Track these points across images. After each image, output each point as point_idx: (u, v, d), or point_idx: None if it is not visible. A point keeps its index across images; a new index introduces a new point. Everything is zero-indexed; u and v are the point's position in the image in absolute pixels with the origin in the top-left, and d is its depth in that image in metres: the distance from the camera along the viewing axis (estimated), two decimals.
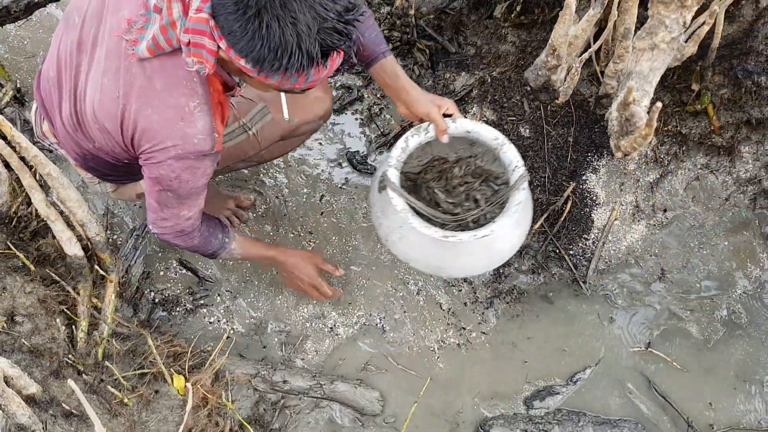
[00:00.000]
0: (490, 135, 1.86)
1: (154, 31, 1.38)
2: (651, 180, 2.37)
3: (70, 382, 1.06)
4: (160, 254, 2.22)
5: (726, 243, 2.31)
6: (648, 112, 1.82)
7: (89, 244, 1.77)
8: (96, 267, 1.79)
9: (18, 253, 1.75)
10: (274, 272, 2.18)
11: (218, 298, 2.18)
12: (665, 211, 2.36)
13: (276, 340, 2.13)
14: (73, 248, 1.72)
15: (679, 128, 2.33)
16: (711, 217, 2.35)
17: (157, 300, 2.14)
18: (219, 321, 2.15)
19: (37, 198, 1.63)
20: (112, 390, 1.62)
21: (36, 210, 2.00)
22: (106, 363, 1.71)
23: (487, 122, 2.38)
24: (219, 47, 1.34)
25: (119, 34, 1.42)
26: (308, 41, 1.30)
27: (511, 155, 1.85)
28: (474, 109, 2.41)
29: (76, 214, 1.70)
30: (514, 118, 2.40)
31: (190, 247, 1.75)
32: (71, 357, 1.65)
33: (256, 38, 1.29)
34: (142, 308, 2.11)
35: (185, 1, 1.35)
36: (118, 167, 1.64)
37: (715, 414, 2.06)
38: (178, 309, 2.14)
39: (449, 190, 2.00)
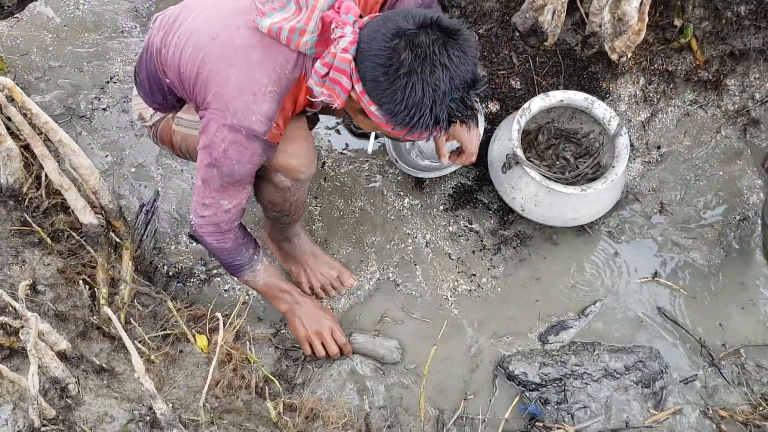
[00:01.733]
0: (579, 98, 2.17)
1: (283, 21, 1.50)
2: (642, 119, 2.42)
3: (106, 309, 1.10)
4: (169, 230, 2.26)
5: (721, 173, 2.37)
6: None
7: (103, 212, 1.81)
8: (111, 235, 1.82)
9: (36, 227, 1.78)
10: None
11: None
12: (659, 148, 2.42)
13: None
14: (87, 216, 1.75)
15: (665, 66, 2.39)
16: (704, 150, 2.41)
17: (171, 273, 2.18)
18: (234, 289, 2.18)
19: (50, 167, 1.67)
20: (140, 346, 1.65)
21: (45, 191, 2.05)
22: (132, 323, 1.74)
23: None
24: (353, 87, 1.45)
25: None
26: (440, 108, 1.43)
27: (602, 109, 2.17)
28: None
29: (88, 182, 1.74)
30: (504, 72, 2.46)
31: (221, 250, 1.79)
32: (95, 319, 1.68)
33: (398, 94, 1.41)
34: (158, 281, 2.15)
35: (327, 24, 1.46)
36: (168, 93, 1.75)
37: (725, 334, 2.11)
38: (192, 280, 2.18)
39: (540, 155, 2.32)
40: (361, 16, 1.48)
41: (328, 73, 1.45)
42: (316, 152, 1.84)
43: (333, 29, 1.44)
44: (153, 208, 2.18)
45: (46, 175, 2.08)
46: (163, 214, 2.28)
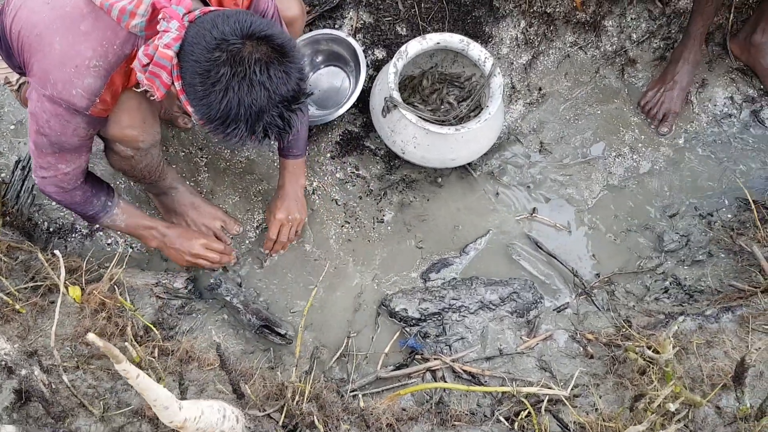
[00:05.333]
0: (455, 40, 2.21)
1: None
2: (524, 62, 2.48)
3: None
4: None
5: (599, 112, 2.45)
6: None
7: None
8: None
9: None
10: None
11: None
12: (540, 89, 2.48)
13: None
14: None
15: (544, 8, 2.44)
16: (583, 91, 2.48)
17: (51, 229, 2.15)
18: (117, 242, 2.17)
19: None
20: (4, 297, 1.64)
21: None
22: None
23: (364, 25, 2.45)
24: (173, 83, 1.43)
25: None
26: (256, 122, 1.42)
27: (477, 51, 2.21)
28: (350, 13, 2.46)
29: None
30: (390, 19, 2.47)
31: (70, 204, 1.77)
32: None
33: (213, 106, 1.40)
34: (38, 238, 2.12)
35: (158, 11, 1.40)
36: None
37: (599, 265, 2.20)
38: (74, 235, 2.16)
39: (425, 99, 2.34)
40: (207, 4, 1.47)
41: (149, 64, 1.43)
42: (156, 120, 1.79)
43: (160, 20, 1.40)
44: (30, 164, 2.14)
45: None
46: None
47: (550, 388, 1.70)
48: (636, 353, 1.70)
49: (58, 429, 1.40)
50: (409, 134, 2.14)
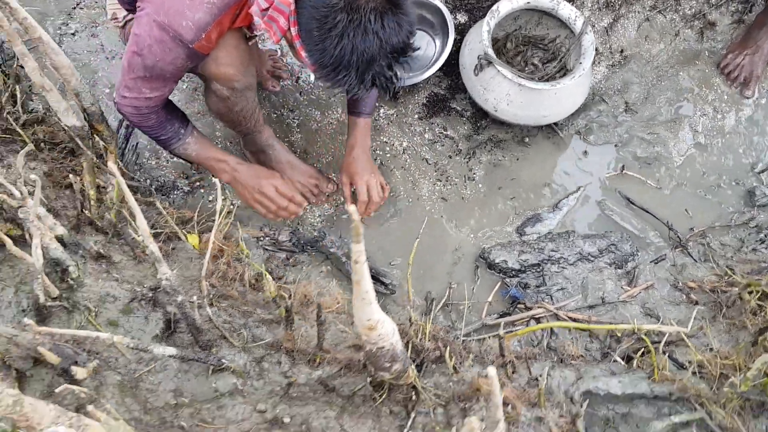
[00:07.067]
0: (546, 0, 2.25)
1: None
2: (605, 25, 2.51)
3: (110, 164, 1.13)
4: (149, 146, 2.27)
5: (681, 73, 2.48)
6: None
7: (85, 115, 1.81)
8: (96, 138, 1.83)
9: (20, 131, 1.78)
10: None
11: (213, 178, 2.23)
12: (622, 51, 2.51)
13: None
14: (71, 119, 1.76)
15: None
16: (664, 53, 2.51)
17: (154, 186, 2.20)
18: (212, 199, 2.21)
19: (30, 66, 1.66)
20: (135, 237, 1.68)
21: (22, 107, 2.04)
22: (123, 224, 1.76)
23: None
24: (289, 29, 1.50)
25: None
26: (366, 71, 1.48)
27: (567, 10, 2.26)
28: None
29: (70, 82, 1.74)
30: None
31: (145, 127, 1.80)
32: (88, 213, 1.70)
33: (327, 51, 1.47)
34: (142, 195, 2.16)
35: None
36: None
37: (692, 219, 2.22)
38: (176, 192, 2.20)
39: (509, 62, 2.38)
40: None
41: (268, 8, 1.48)
42: (253, 63, 1.83)
43: None
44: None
45: (21, 91, 2.08)
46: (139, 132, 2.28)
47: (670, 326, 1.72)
48: (750, 294, 1.72)
49: (208, 356, 1.44)
50: (503, 91, 2.18)
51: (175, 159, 2.26)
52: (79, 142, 1.68)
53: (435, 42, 2.48)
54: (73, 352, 1.32)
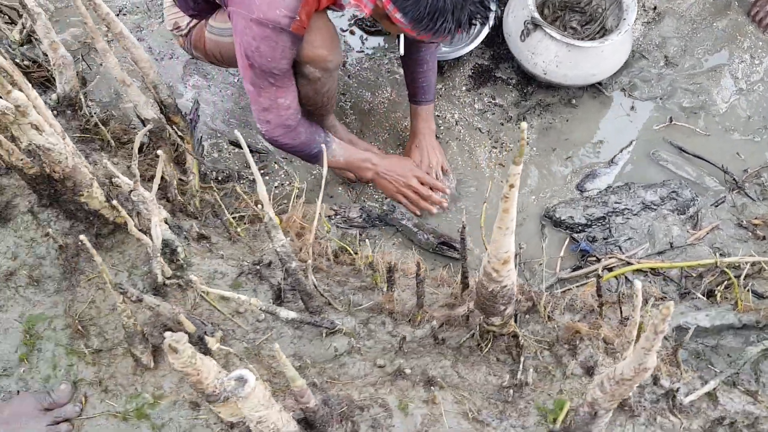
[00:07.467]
0: None
1: None
2: None
3: (237, 133, 1.18)
4: (209, 140, 2.33)
5: (715, 24, 2.54)
6: None
7: (162, 107, 1.87)
8: (174, 129, 1.89)
9: (102, 128, 1.84)
10: None
11: (275, 165, 2.30)
12: (655, 8, 2.57)
13: (340, 189, 2.26)
14: (149, 111, 1.81)
15: None
16: (696, 6, 2.57)
17: (219, 178, 2.25)
18: (282, 184, 2.27)
19: (111, 62, 1.72)
20: (230, 219, 1.74)
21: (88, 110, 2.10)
22: (207, 209, 1.82)
23: None
24: None
25: None
26: (461, 12, 1.54)
27: None
28: None
29: (148, 75, 1.80)
30: None
31: (297, 145, 1.87)
32: (180, 199, 1.76)
33: (421, 2, 1.52)
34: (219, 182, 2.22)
35: None
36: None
37: (744, 161, 2.28)
38: (241, 182, 2.26)
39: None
40: None
41: None
42: (340, 41, 1.91)
43: None
44: (195, 116, 2.24)
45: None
46: (200, 127, 2.34)
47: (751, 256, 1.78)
48: None
49: (323, 320, 1.49)
50: (551, 53, 2.23)
51: (236, 150, 2.31)
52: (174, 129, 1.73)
53: None
54: (201, 323, 1.38)
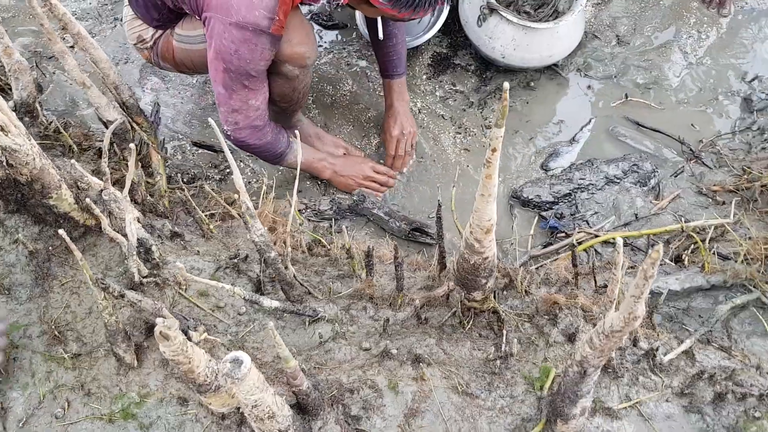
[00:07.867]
0: None
1: None
2: None
3: (211, 121, 1.18)
4: (172, 142, 2.30)
5: (662, 2, 2.62)
6: None
7: (124, 108, 1.84)
8: (138, 130, 1.86)
9: (64, 133, 1.80)
10: None
11: (241, 163, 2.28)
12: None
13: (309, 183, 2.25)
14: (112, 113, 1.78)
15: None
16: None
17: (185, 179, 2.22)
18: (250, 182, 2.25)
19: (70, 63, 1.68)
20: (203, 216, 1.72)
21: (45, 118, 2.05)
22: (183, 206, 1.80)
23: None
24: None
25: None
26: None
27: None
28: None
29: (108, 76, 1.77)
30: None
31: (262, 145, 1.88)
32: (150, 200, 1.73)
33: None
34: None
35: None
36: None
37: (699, 132, 2.36)
38: (208, 182, 2.23)
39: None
40: None
41: None
42: (315, 36, 1.92)
43: None
44: (156, 118, 2.21)
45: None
46: (161, 129, 2.31)
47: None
48: None
49: (305, 309, 1.49)
50: (508, 37, 2.27)
51: (200, 151, 2.29)
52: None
53: None
54: (183, 317, 1.36)
